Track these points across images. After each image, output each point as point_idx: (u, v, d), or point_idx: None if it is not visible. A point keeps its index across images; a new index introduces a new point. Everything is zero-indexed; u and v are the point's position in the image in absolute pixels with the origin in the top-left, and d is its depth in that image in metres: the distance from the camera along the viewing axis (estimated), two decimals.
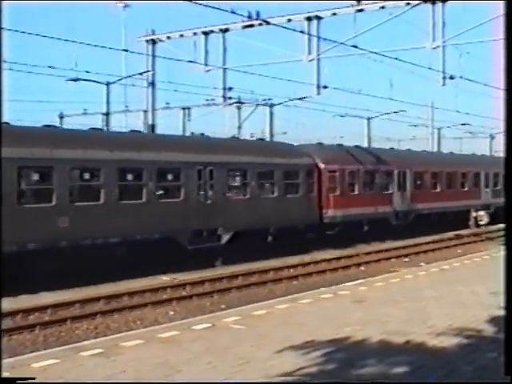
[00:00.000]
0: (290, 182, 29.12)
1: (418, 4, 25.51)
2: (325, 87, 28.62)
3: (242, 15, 23.54)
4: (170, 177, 24.19)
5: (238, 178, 28.15)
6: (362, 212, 32.70)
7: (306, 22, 27.02)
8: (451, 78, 27.90)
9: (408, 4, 25.55)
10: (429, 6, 25.45)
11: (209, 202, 24.82)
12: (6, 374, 8.19)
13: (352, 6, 25.97)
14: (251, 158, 27.52)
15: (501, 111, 7.01)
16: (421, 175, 39.39)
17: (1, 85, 8.10)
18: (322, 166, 30.96)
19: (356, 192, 33.13)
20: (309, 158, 30.61)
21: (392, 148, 46.74)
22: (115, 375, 8.43)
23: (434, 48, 25.89)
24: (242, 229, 25.82)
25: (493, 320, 11.05)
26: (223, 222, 25.12)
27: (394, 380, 8.30)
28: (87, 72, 32.81)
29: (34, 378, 8.09)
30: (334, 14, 26.81)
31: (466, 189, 43.11)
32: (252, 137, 46.90)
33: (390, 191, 36.16)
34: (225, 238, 25.26)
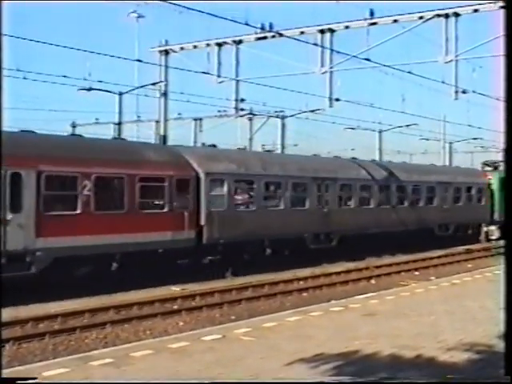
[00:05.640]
0: None
1: (431, 18, 25.57)
2: (337, 100, 28.67)
3: (255, 27, 23.72)
4: None
5: None
6: None
7: (319, 35, 27.10)
8: (464, 92, 27.89)
9: (421, 18, 25.64)
10: (442, 20, 25.50)
11: None
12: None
13: (365, 19, 26.04)
14: None
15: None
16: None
17: (1, 92, 8.16)
18: None
19: None
20: None
21: None
22: None
23: (447, 62, 25.91)
24: None
25: (504, 336, 11.00)
26: None
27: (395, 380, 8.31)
28: (100, 82, 33.05)
29: (34, 378, 8.12)
30: (347, 27, 26.88)
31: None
32: (263, 149, 47.02)
33: None
34: None
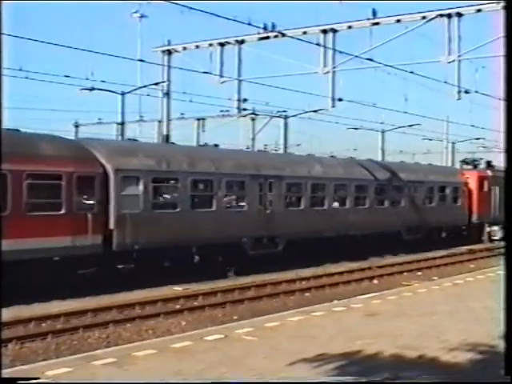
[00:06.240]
0: None
1: (433, 18, 25.54)
2: (340, 100, 28.64)
3: (257, 27, 23.67)
4: None
5: None
6: None
7: (321, 35, 27.07)
8: (466, 92, 27.84)
9: (424, 18, 25.61)
10: (445, 20, 25.47)
11: None
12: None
13: (368, 19, 26.01)
14: None
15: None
16: None
17: (1, 91, 8.17)
18: None
19: None
20: None
21: None
22: None
23: (450, 62, 25.87)
24: None
25: None
26: None
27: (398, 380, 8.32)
28: (103, 82, 33.06)
29: (36, 378, 8.13)
30: (350, 27, 26.86)
31: None
32: (265, 148, 47.06)
33: None
34: None
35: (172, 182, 23.80)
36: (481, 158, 47.39)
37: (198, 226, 23.36)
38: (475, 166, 44.47)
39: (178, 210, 23.22)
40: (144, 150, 23.65)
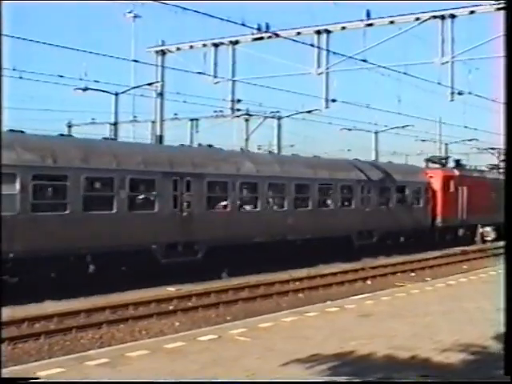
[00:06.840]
0: None
1: (427, 19, 25.59)
2: (333, 101, 28.67)
3: (251, 27, 23.69)
4: None
5: None
6: None
7: (315, 36, 27.09)
8: (460, 93, 27.94)
9: (417, 19, 25.66)
10: (438, 21, 25.52)
11: None
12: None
13: (361, 20, 26.05)
14: None
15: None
16: None
17: (1, 92, 8.16)
18: None
19: None
20: None
21: None
22: None
23: (443, 63, 25.93)
24: None
25: (499, 337, 10.96)
26: None
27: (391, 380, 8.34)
28: (96, 82, 32.97)
29: (35, 378, 8.11)
30: (344, 28, 26.89)
31: None
32: (259, 149, 47.05)
33: None
34: None
35: (60, 179, 20.47)
36: (448, 157, 46.46)
37: (93, 230, 20.49)
38: (443, 165, 42.57)
39: (67, 212, 20.19)
40: (24, 143, 20.04)
